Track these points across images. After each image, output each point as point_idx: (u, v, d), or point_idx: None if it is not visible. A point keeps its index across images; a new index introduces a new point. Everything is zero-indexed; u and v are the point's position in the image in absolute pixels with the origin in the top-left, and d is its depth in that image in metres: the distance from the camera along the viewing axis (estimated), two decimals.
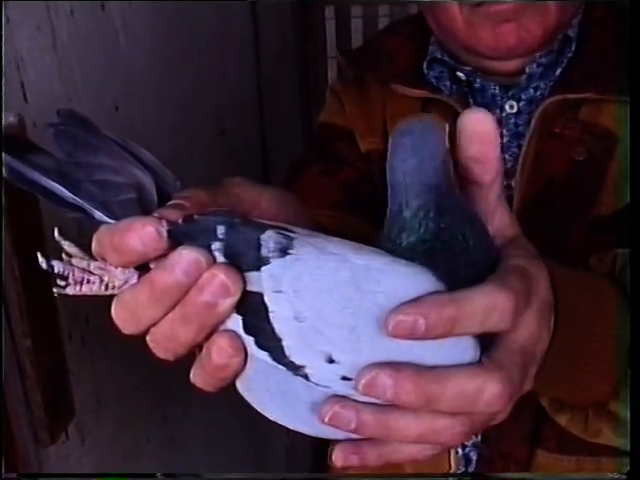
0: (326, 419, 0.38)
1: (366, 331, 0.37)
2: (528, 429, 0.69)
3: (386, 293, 0.37)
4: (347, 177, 0.78)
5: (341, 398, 0.38)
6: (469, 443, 0.73)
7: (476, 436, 0.72)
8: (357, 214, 0.72)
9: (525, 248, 0.44)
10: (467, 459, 0.74)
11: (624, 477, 0.49)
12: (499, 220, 0.45)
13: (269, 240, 0.39)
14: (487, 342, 0.40)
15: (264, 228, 0.40)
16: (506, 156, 0.72)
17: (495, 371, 0.38)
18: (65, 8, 0.87)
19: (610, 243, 0.65)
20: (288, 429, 0.43)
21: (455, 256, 0.40)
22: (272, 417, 0.42)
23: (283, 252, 0.39)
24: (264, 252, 0.39)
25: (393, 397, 0.37)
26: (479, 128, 0.42)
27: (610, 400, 0.53)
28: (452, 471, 0.73)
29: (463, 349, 0.38)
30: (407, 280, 0.38)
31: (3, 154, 0.40)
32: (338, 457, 0.40)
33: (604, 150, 0.68)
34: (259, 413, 0.43)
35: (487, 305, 0.37)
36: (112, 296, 0.41)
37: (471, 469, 0.73)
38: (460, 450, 0.74)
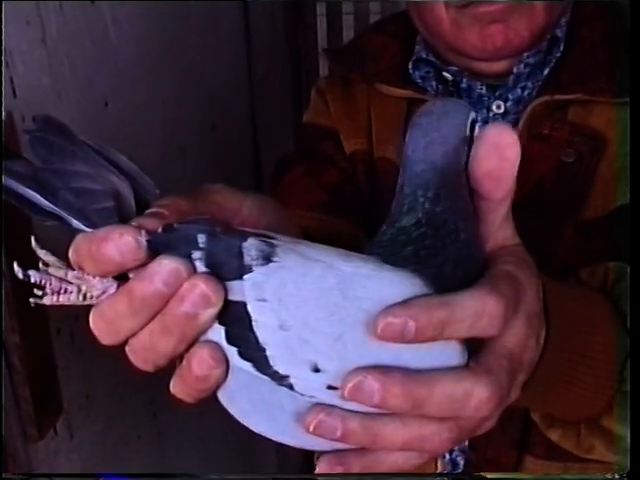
0: (311, 428, 0.37)
1: (353, 338, 0.37)
2: (516, 435, 0.68)
3: (373, 299, 0.37)
4: (331, 178, 0.77)
5: (326, 406, 0.38)
6: (456, 448, 0.73)
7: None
8: (341, 215, 0.71)
9: (517, 256, 0.43)
10: (454, 464, 0.74)
11: (624, 477, 0.49)
12: (502, 233, 0.44)
13: (251, 248, 0.38)
14: (474, 348, 0.39)
15: (246, 236, 0.39)
16: None
17: (483, 375, 0.38)
18: (54, 3, 0.87)
19: (599, 246, 0.65)
20: None
21: (443, 247, 0.40)
22: (255, 429, 0.41)
23: (266, 260, 0.38)
24: (247, 260, 0.38)
25: (380, 401, 0.36)
26: (501, 143, 0.40)
27: (603, 416, 0.53)
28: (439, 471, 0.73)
29: (450, 356, 0.38)
30: (394, 286, 0.37)
31: None
32: (323, 468, 0.39)
33: (593, 152, 0.67)
34: None
35: (476, 309, 0.37)
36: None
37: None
38: (447, 455, 0.73)
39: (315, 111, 0.84)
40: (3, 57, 0.75)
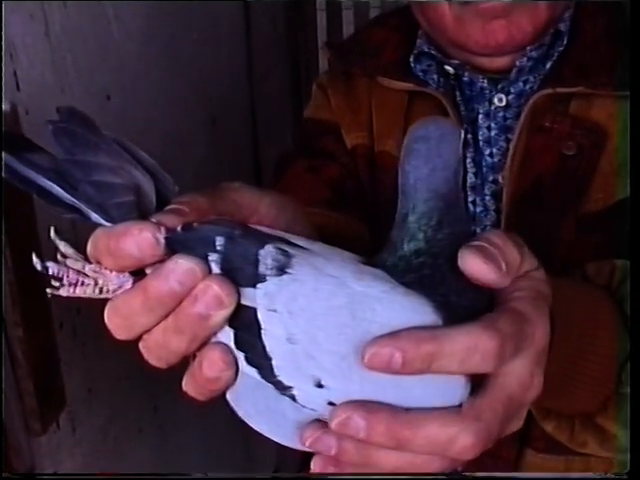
0: (307, 443, 0.38)
1: (358, 360, 0.37)
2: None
3: (381, 323, 0.37)
4: (333, 173, 0.77)
5: (324, 424, 0.38)
6: None
7: None
8: (343, 211, 0.71)
9: (531, 288, 0.41)
10: None
11: (624, 477, 0.49)
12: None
13: (267, 256, 0.39)
14: (478, 382, 0.39)
15: (264, 242, 0.39)
16: (494, 150, 0.72)
17: (472, 422, 0.38)
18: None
19: (599, 240, 0.65)
20: None
21: (442, 276, 0.40)
22: (259, 430, 0.42)
23: (281, 271, 0.38)
24: (261, 269, 0.38)
25: (365, 437, 0.37)
26: (480, 279, 0.39)
27: (598, 414, 0.53)
28: None
29: (453, 387, 0.38)
30: (403, 311, 0.37)
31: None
32: (317, 465, 0.40)
33: (594, 145, 0.68)
34: None
35: (468, 345, 0.37)
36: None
37: (459, 468, 0.73)
38: None
39: (316, 106, 0.84)
40: (4, 50, 0.75)
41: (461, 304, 0.39)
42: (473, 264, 0.39)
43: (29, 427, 0.85)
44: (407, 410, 0.37)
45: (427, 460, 0.39)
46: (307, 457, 0.40)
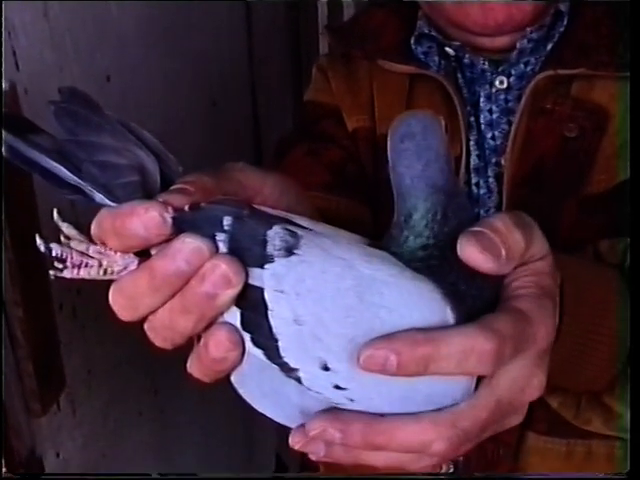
0: (297, 447, 0.39)
1: (365, 343, 0.37)
2: None
3: (388, 308, 0.37)
4: (333, 157, 0.77)
5: (311, 430, 0.39)
6: None
7: None
8: (344, 194, 0.71)
9: (537, 284, 0.41)
10: None
11: (624, 477, 0.50)
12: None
13: (275, 237, 0.39)
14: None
15: (272, 222, 0.39)
16: (496, 133, 0.72)
17: (447, 429, 0.38)
18: None
19: (601, 222, 0.65)
20: None
21: (451, 266, 0.39)
22: (262, 412, 0.42)
23: (288, 252, 0.38)
24: (269, 249, 0.38)
25: (342, 443, 0.38)
26: (478, 267, 0.39)
27: (604, 392, 0.53)
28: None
29: (459, 379, 0.38)
30: (411, 297, 0.38)
31: (4, 133, 0.39)
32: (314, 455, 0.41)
33: (596, 127, 0.67)
34: None
35: (464, 347, 0.37)
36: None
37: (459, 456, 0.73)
38: None
39: (316, 89, 0.84)
40: (4, 29, 0.75)
41: (470, 293, 0.39)
42: (470, 253, 0.39)
43: (29, 408, 0.85)
44: (382, 416, 0.38)
45: (415, 457, 0.39)
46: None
